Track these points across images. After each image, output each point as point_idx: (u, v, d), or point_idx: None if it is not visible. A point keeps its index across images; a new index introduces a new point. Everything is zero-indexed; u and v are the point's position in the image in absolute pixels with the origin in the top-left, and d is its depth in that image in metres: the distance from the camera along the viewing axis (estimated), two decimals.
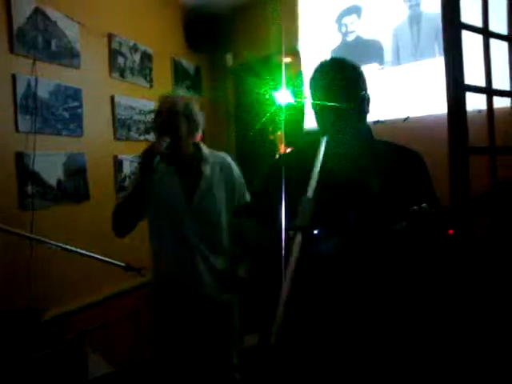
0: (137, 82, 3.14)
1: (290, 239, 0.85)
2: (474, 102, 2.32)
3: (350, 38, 3.01)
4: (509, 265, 1.84)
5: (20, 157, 2.30)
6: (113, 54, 2.92)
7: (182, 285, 1.83)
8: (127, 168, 2.98)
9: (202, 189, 1.85)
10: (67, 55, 2.57)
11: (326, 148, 1.32)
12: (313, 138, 1.38)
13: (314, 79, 1.38)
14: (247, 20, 3.76)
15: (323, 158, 1.29)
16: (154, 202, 1.82)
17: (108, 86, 2.88)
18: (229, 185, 1.93)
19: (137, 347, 1.80)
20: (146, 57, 3.22)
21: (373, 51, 2.88)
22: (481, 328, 1.69)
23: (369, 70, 2.91)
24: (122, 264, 1.70)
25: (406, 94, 2.75)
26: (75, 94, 2.60)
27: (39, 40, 2.40)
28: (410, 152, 1.42)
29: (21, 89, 2.30)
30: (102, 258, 1.69)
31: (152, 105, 3.27)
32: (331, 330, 1.25)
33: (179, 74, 3.64)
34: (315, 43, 3.17)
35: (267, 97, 3.97)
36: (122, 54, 3.00)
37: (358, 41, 2.96)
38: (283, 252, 0.90)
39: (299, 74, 3.48)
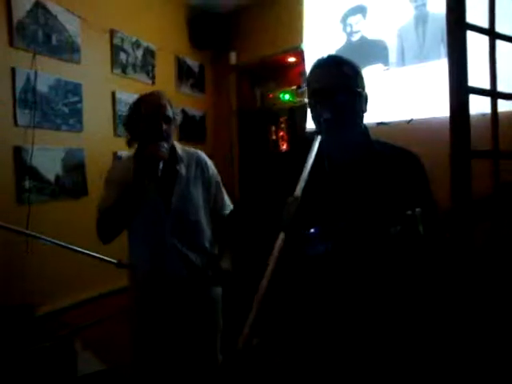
0: (139, 79, 3.11)
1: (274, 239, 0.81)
2: (479, 106, 2.28)
3: (355, 38, 2.97)
4: (509, 269, 1.80)
5: (18, 151, 2.28)
6: (115, 50, 2.90)
7: (163, 285, 1.77)
8: None
9: (179, 191, 1.79)
10: (68, 50, 2.55)
11: (320, 147, 1.29)
12: (311, 138, 1.34)
13: (310, 75, 1.35)
14: (252, 18, 3.72)
15: (317, 157, 1.26)
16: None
17: (109, 82, 2.86)
18: (205, 182, 1.89)
19: (130, 345, 1.77)
20: (149, 53, 3.20)
21: (377, 52, 2.84)
22: (479, 332, 1.65)
23: (373, 71, 2.87)
24: (114, 260, 1.67)
25: (410, 95, 2.71)
26: (75, 89, 2.58)
27: (39, 34, 2.38)
28: (408, 154, 1.38)
29: (20, 83, 2.29)
30: (94, 254, 1.67)
31: None
32: (323, 333, 1.22)
33: (183, 71, 3.62)
34: (319, 43, 3.13)
35: (271, 96, 3.95)
36: (124, 50, 2.97)
37: (363, 41, 2.93)
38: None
39: (303, 73, 3.45)
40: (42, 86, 2.39)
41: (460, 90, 1.85)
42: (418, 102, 2.66)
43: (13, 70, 2.26)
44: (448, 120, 1.85)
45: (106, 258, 1.70)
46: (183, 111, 3.60)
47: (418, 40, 2.68)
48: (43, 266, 2.26)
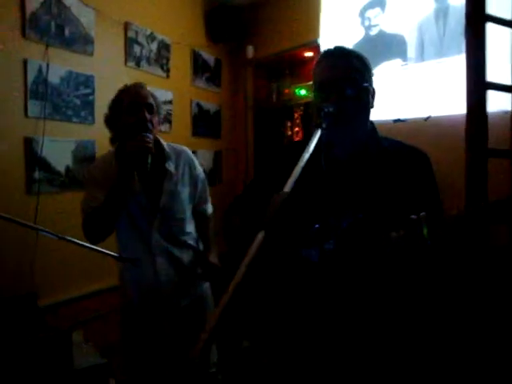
0: (153, 72, 3.10)
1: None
2: (501, 103, 2.18)
3: (373, 32, 2.89)
4: None
5: (29, 142, 2.30)
6: (129, 43, 2.89)
7: (151, 288, 1.72)
8: None
9: (168, 189, 1.73)
10: (81, 42, 2.56)
11: (319, 142, 1.24)
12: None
13: (316, 67, 1.30)
14: (269, 12, 3.67)
15: (314, 153, 1.22)
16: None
17: (122, 75, 2.85)
18: (192, 178, 1.84)
19: (121, 345, 1.75)
20: (164, 46, 3.19)
21: (396, 46, 2.75)
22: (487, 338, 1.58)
23: (391, 67, 2.79)
24: (115, 254, 1.65)
25: (428, 92, 2.61)
26: (87, 82, 2.58)
27: (52, 26, 2.39)
28: (415, 152, 1.31)
29: (32, 74, 2.30)
30: (95, 247, 1.65)
31: (169, 95, 3.25)
32: (315, 336, 1.18)
33: (198, 65, 3.59)
34: (337, 37, 3.06)
35: (287, 91, 3.90)
36: (139, 43, 2.97)
37: (381, 35, 2.84)
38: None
39: None
40: (54, 78, 2.40)
41: (477, 84, 1.77)
42: (437, 98, 2.57)
43: (25, 62, 2.28)
44: None
45: (106, 251, 1.68)
46: (198, 105, 3.58)
47: (438, 34, 2.58)
48: (50, 258, 2.28)
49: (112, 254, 1.69)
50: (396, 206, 1.15)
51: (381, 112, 2.79)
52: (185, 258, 1.77)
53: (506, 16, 1.91)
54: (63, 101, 2.45)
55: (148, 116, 1.64)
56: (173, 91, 3.28)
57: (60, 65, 2.44)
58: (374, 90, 1.32)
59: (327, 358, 1.18)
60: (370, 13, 2.91)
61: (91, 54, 2.62)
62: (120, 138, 1.71)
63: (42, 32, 2.34)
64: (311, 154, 1.08)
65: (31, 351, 1.43)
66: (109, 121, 1.73)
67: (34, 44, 2.32)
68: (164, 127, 3.21)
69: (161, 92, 3.15)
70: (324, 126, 1.19)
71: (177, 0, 3.35)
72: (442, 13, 2.56)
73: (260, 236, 0.70)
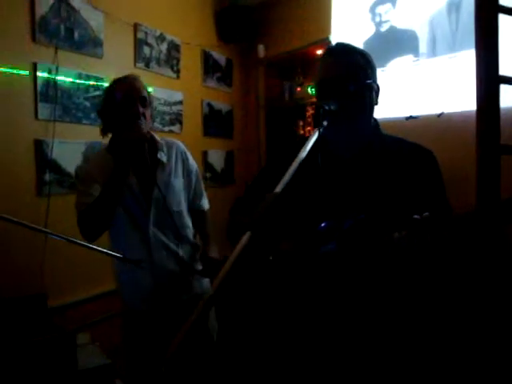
0: (163, 73, 3.11)
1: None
2: None
3: (384, 28, 2.83)
4: None
5: (39, 144, 2.33)
6: (138, 44, 2.91)
7: (150, 285, 1.71)
8: None
9: (161, 180, 1.73)
10: (90, 44, 2.58)
11: (323, 141, 1.21)
12: None
13: (318, 65, 1.28)
14: (280, 11, 3.65)
15: (318, 152, 1.19)
16: None
17: None
18: (186, 171, 1.83)
19: (122, 346, 1.75)
20: (174, 47, 3.19)
21: (407, 42, 2.69)
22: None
23: (402, 63, 2.73)
24: (119, 255, 1.65)
25: (440, 87, 2.55)
26: (97, 84, 2.60)
27: (61, 29, 2.42)
28: (420, 150, 1.27)
29: (41, 77, 2.33)
30: (100, 248, 1.65)
31: (179, 96, 3.25)
32: (321, 337, 1.16)
33: (209, 65, 3.59)
34: (347, 34, 3.01)
35: (299, 89, 3.86)
36: (148, 44, 2.98)
37: (392, 31, 2.78)
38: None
39: None
40: (64, 81, 2.43)
41: (489, 78, 1.71)
42: (450, 94, 2.51)
43: (34, 65, 2.31)
44: None
45: (110, 252, 1.68)
46: (209, 105, 3.58)
47: (450, 28, 2.51)
48: (59, 259, 2.30)
49: (116, 254, 1.69)
50: (400, 205, 1.12)
51: (393, 109, 2.75)
52: (183, 253, 1.77)
53: None
54: (73, 103, 2.48)
55: (141, 109, 1.65)
56: (183, 92, 3.29)
57: (69, 67, 2.46)
58: (378, 86, 1.29)
59: (329, 357, 1.16)
60: (380, 9, 2.86)
61: (101, 57, 2.64)
62: (113, 130, 1.73)
63: (52, 35, 2.37)
64: (312, 153, 1.06)
65: (36, 351, 1.44)
66: (101, 112, 1.74)
67: (44, 47, 2.35)
68: (175, 127, 3.22)
69: (171, 93, 3.17)
70: (325, 123, 1.16)
71: (186, 0, 3.35)
72: (454, 6, 2.49)
73: (246, 236, 0.69)
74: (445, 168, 2.58)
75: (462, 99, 2.43)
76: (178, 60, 3.24)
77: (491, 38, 1.68)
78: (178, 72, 3.24)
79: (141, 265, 1.65)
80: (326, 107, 1.16)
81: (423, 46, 2.63)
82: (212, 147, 3.63)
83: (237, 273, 0.65)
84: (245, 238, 0.68)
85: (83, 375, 1.52)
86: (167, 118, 3.15)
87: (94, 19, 2.58)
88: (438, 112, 2.56)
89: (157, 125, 3.05)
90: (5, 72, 2.19)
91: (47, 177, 2.34)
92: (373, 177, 1.20)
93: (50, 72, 2.36)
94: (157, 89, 3.02)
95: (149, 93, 1.75)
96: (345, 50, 1.27)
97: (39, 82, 2.32)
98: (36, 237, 2.13)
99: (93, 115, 2.58)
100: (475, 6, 1.70)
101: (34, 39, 2.30)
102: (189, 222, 1.84)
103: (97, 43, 2.61)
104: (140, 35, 2.91)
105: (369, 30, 2.91)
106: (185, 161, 1.85)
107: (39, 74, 2.32)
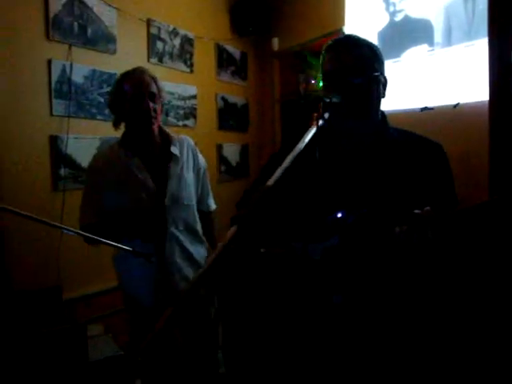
0: (176, 67, 3.13)
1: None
2: None
3: (398, 17, 2.78)
4: None
5: (54, 140, 2.37)
6: (151, 39, 2.92)
7: (160, 279, 1.72)
8: None
9: (174, 173, 1.74)
10: (103, 41, 2.61)
11: (329, 134, 1.20)
12: None
13: (324, 56, 1.26)
14: (293, 3, 3.61)
15: (321, 144, 1.18)
16: (123, 197, 1.71)
17: None
18: (196, 167, 1.85)
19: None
20: (187, 41, 3.20)
21: (422, 32, 2.63)
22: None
23: (417, 53, 2.67)
24: (130, 248, 1.67)
25: (456, 77, 2.49)
26: (111, 79, 2.63)
27: (75, 26, 2.46)
28: (429, 143, 1.25)
29: (56, 74, 2.38)
30: (110, 242, 1.67)
31: (193, 90, 3.27)
32: (321, 334, 1.15)
33: (223, 58, 3.59)
34: (361, 25, 2.97)
35: (314, 82, 3.82)
36: (161, 39, 2.99)
37: (407, 21, 2.73)
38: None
39: None
40: (78, 77, 2.47)
41: (502, 67, 1.66)
42: (466, 84, 2.44)
43: (49, 62, 2.35)
44: None
45: (121, 246, 1.70)
46: (223, 98, 3.59)
47: (466, 17, 2.44)
48: (74, 253, 2.34)
49: (127, 248, 1.71)
50: (406, 198, 1.11)
51: (407, 100, 2.70)
52: (193, 250, 1.78)
53: None
54: (87, 99, 2.52)
55: (151, 105, 1.67)
56: (197, 86, 3.30)
57: (83, 64, 2.50)
58: (385, 79, 1.27)
59: (329, 356, 1.15)
60: None
61: (114, 52, 2.67)
62: (124, 121, 1.78)
63: (65, 33, 2.41)
64: (315, 145, 1.06)
65: (47, 342, 1.48)
66: (112, 105, 1.78)
67: (58, 44, 2.39)
68: (189, 122, 3.24)
69: (184, 87, 3.18)
70: (326, 116, 1.15)
71: None
72: None
73: (232, 230, 0.69)
74: (460, 159, 2.53)
75: (479, 89, 2.36)
76: (192, 54, 3.25)
77: (505, 19, 1.63)
78: (191, 66, 3.25)
79: (151, 259, 1.68)
80: (327, 100, 1.15)
81: (438, 36, 2.57)
82: (227, 141, 3.64)
83: (222, 266, 0.66)
84: (230, 233, 0.69)
85: (94, 366, 1.56)
86: (181, 112, 3.17)
87: (106, 16, 2.61)
88: (454, 103, 2.50)
89: (171, 119, 3.08)
90: (20, 69, 2.24)
91: (62, 172, 2.39)
92: (379, 170, 1.19)
93: (64, 69, 2.40)
94: (170, 83, 3.03)
95: (158, 85, 1.76)
96: (350, 41, 1.25)
97: (53, 79, 2.36)
98: (52, 231, 2.18)
99: (107, 111, 2.60)
100: None
101: (48, 37, 2.35)
102: (197, 217, 1.86)
103: (110, 39, 2.64)
104: (153, 30, 2.93)
105: (383, 20, 2.86)
106: (195, 156, 1.87)
107: (53, 70, 2.36)
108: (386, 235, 1.04)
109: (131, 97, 1.67)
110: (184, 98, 3.18)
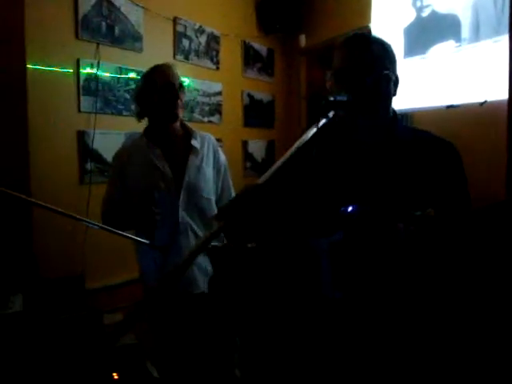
0: (202, 64, 3.18)
1: None
2: None
3: (425, 13, 2.72)
4: None
5: (81, 135, 2.48)
6: (177, 37, 2.99)
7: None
8: None
9: (193, 165, 1.78)
10: (130, 39, 2.69)
11: (334, 132, 1.21)
12: None
13: (334, 55, 1.27)
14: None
15: (330, 143, 1.19)
16: (142, 188, 1.76)
17: None
18: (216, 163, 1.88)
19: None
20: (213, 39, 3.25)
21: (449, 27, 2.57)
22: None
23: (443, 49, 2.61)
24: (147, 241, 1.73)
25: (484, 74, 2.42)
26: (137, 77, 2.71)
27: (103, 26, 2.55)
28: (442, 143, 1.22)
29: (84, 72, 2.47)
30: (128, 235, 1.73)
31: (219, 86, 3.31)
32: (324, 332, 1.17)
33: (250, 55, 3.62)
34: (388, 21, 2.92)
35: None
36: (187, 37, 3.05)
37: (434, 16, 2.66)
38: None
39: None
40: (105, 75, 2.56)
41: None
42: (494, 81, 2.37)
43: (78, 61, 2.45)
44: None
45: (139, 238, 1.75)
46: (249, 95, 3.62)
47: (495, 11, 2.37)
48: (99, 243, 2.43)
49: (143, 240, 1.77)
50: (412, 197, 1.10)
51: (433, 98, 2.65)
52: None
53: None
54: (114, 96, 2.61)
55: (179, 97, 1.76)
56: (222, 83, 3.34)
57: (110, 62, 2.59)
58: (396, 77, 1.26)
59: (331, 354, 1.16)
60: None
61: (140, 50, 2.75)
62: (149, 115, 1.84)
63: (94, 32, 2.51)
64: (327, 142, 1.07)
65: (65, 328, 1.56)
66: (138, 97, 1.84)
67: (86, 44, 2.48)
68: (214, 118, 3.29)
69: (210, 84, 3.23)
70: (330, 115, 1.16)
71: None
72: None
73: (215, 226, 0.72)
74: (486, 157, 2.46)
75: (507, 85, 2.29)
76: (218, 51, 3.29)
77: None
78: (217, 63, 3.30)
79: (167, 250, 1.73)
80: (331, 98, 1.16)
81: (465, 31, 2.50)
82: (252, 137, 3.67)
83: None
84: (214, 228, 0.71)
85: (109, 353, 1.62)
86: (206, 108, 3.22)
87: (133, 15, 2.69)
88: (481, 100, 2.43)
89: (196, 115, 3.14)
90: (50, 68, 2.35)
91: (89, 166, 2.50)
92: (386, 167, 1.19)
93: (91, 67, 2.50)
94: (196, 80, 3.10)
95: (181, 81, 1.84)
96: (361, 40, 1.25)
97: (82, 77, 2.46)
98: (77, 222, 2.28)
99: (133, 107, 2.69)
100: None
101: (77, 36, 2.45)
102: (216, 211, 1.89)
103: (136, 38, 2.72)
104: (179, 28, 2.99)
105: (409, 16, 2.80)
106: (216, 153, 1.91)
107: (82, 69, 2.46)
108: (388, 232, 1.04)
109: (161, 86, 1.75)
110: (209, 95, 3.24)
